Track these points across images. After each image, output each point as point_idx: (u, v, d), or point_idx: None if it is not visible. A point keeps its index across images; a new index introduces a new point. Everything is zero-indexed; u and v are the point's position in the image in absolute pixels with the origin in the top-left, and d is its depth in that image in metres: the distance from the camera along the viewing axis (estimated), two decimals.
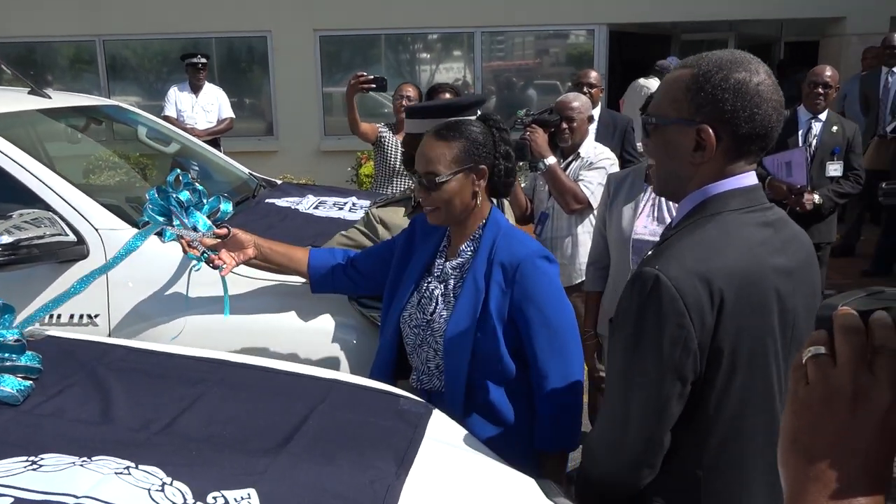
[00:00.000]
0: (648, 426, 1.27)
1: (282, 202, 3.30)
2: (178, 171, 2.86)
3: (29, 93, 3.26)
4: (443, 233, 1.96)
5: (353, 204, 3.39)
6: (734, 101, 1.24)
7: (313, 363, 2.37)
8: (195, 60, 6.73)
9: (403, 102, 4.28)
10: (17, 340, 1.40)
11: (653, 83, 7.35)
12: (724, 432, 1.28)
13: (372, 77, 3.93)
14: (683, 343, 1.21)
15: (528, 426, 1.81)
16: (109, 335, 2.46)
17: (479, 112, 2.20)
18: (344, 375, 1.72)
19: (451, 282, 1.86)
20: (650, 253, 1.35)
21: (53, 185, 2.57)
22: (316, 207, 3.27)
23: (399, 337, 1.96)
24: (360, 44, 8.93)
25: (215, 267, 2.17)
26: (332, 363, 2.43)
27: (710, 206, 1.30)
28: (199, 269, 2.26)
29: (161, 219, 2.34)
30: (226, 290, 2.37)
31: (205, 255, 2.21)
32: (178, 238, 2.49)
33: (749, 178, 1.32)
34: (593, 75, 4.85)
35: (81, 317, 2.50)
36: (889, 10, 8.39)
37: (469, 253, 1.87)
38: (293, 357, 2.38)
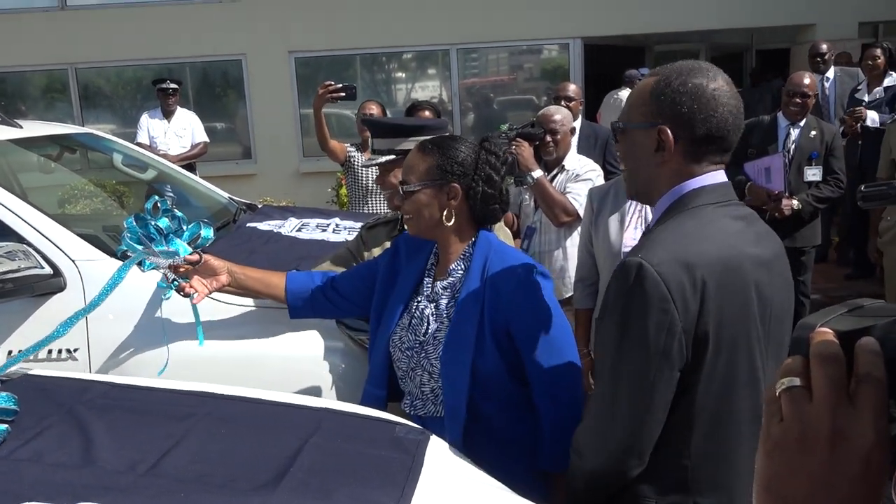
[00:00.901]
0: (637, 414, 1.30)
1: (263, 226, 3.24)
2: (157, 197, 2.80)
3: None
4: (429, 252, 1.91)
5: (337, 225, 3.34)
6: (690, 104, 1.32)
7: (302, 391, 2.30)
8: (164, 86, 6.67)
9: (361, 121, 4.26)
10: None
11: (626, 94, 7.42)
12: (711, 420, 1.32)
13: (341, 85, 3.87)
14: (668, 328, 1.26)
15: (530, 446, 1.76)
16: (90, 370, 2.38)
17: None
18: (335, 403, 1.66)
19: (443, 301, 1.81)
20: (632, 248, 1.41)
21: (27, 216, 2.49)
22: (299, 230, 3.22)
23: (389, 360, 1.91)
24: (335, 64, 8.91)
25: (186, 295, 2.10)
26: (320, 390, 2.37)
27: (686, 202, 1.36)
28: (168, 298, 2.17)
29: (140, 247, 2.26)
30: (197, 318, 2.30)
31: (175, 283, 2.13)
32: (157, 267, 2.42)
33: (718, 176, 1.39)
34: (571, 88, 4.85)
35: (60, 351, 2.41)
36: (857, 17, 8.54)
37: (460, 272, 1.82)
38: (281, 385, 2.31)
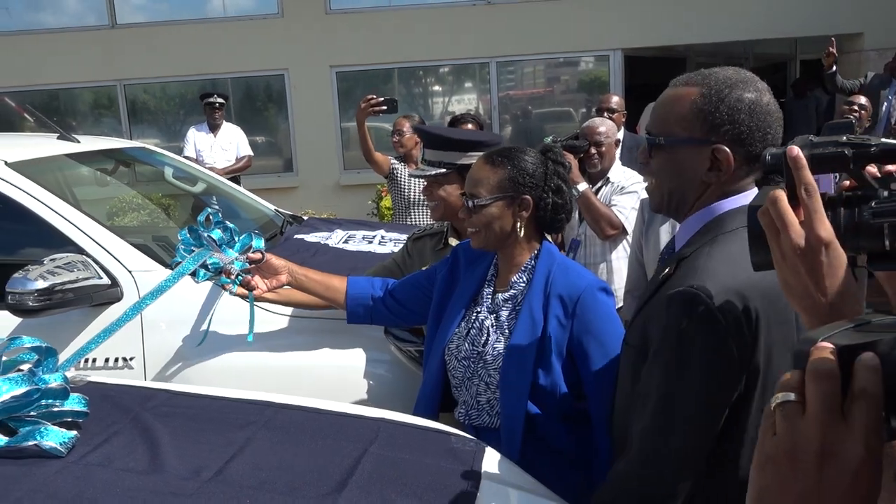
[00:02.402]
0: (688, 456, 1.24)
1: (311, 237, 3.28)
2: (209, 209, 2.86)
3: (58, 138, 3.28)
4: (489, 262, 1.91)
5: (382, 237, 3.36)
6: (749, 121, 1.26)
7: (348, 401, 2.32)
8: (211, 100, 6.81)
9: (395, 138, 4.31)
10: (60, 385, 1.37)
11: None
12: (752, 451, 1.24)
13: (382, 99, 3.92)
14: (726, 362, 1.20)
15: (586, 461, 1.75)
16: (145, 378, 2.43)
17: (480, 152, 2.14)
18: (391, 413, 1.67)
19: (504, 313, 1.81)
20: (671, 272, 1.32)
21: (86, 228, 2.56)
22: (346, 242, 3.25)
23: (444, 369, 1.91)
24: (376, 78, 9.01)
25: (250, 289, 2.12)
26: (366, 401, 2.38)
27: (724, 224, 1.30)
28: (234, 293, 2.20)
29: (200, 250, 2.31)
30: (252, 314, 2.32)
31: (239, 278, 2.16)
32: (215, 273, 2.48)
33: (754, 194, 1.32)
34: (615, 100, 4.84)
35: (116, 360, 2.47)
36: None
37: (522, 284, 1.82)
38: (327, 395, 2.34)
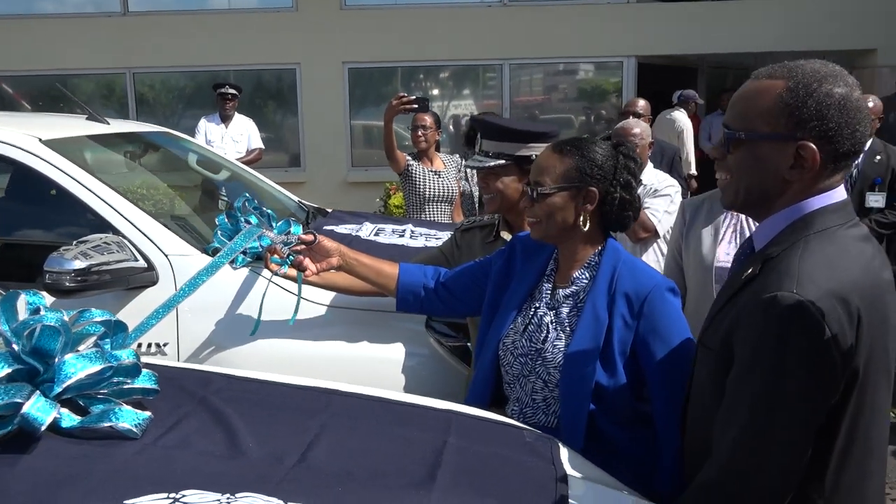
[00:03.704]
0: (791, 455, 1.19)
1: (341, 229, 3.23)
2: (247, 195, 2.81)
3: (87, 118, 3.22)
4: (548, 256, 1.86)
5: (412, 231, 3.32)
6: (839, 118, 1.20)
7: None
8: (224, 91, 6.75)
9: (420, 133, 4.30)
10: (132, 362, 1.31)
11: (678, 114, 7.37)
12: (845, 453, 1.22)
13: (414, 97, 3.90)
14: (829, 369, 1.15)
15: (648, 465, 1.70)
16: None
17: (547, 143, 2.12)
18: (456, 405, 1.62)
19: (564, 310, 1.76)
20: (755, 272, 1.26)
21: (122, 209, 2.50)
22: (376, 234, 3.20)
23: (497, 364, 1.86)
24: (387, 76, 8.96)
25: (300, 269, 2.06)
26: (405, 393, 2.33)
27: (814, 223, 1.25)
28: (284, 273, 2.12)
29: (251, 226, 2.26)
30: (300, 294, 2.26)
31: (290, 258, 2.10)
32: (253, 259, 2.43)
33: (840, 193, 1.28)
34: (640, 104, 4.82)
35: (150, 345, 2.41)
36: None
37: (585, 281, 1.76)
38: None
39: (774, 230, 1.29)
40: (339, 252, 2.07)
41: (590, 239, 1.77)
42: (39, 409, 1.16)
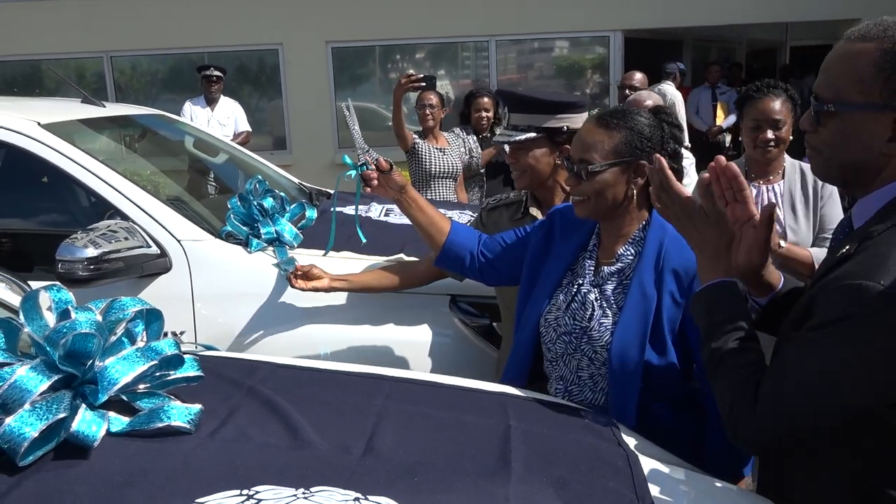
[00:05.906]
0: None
1: (349, 210, 3.15)
2: (258, 177, 2.72)
3: (82, 101, 3.10)
4: (588, 230, 1.81)
5: None
6: None
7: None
8: (208, 73, 6.60)
9: (427, 112, 4.27)
10: (174, 353, 1.25)
11: (667, 87, 7.33)
12: None
13: (422, 76, 3.86)
14: None
15: (696, 447, 1.66)
16: None
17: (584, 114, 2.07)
18: (505, 387, 1.57)
19: (609, 287, 1.71)
20: (850, 251, 1.17)
21: (131, 194, 2.41)
22: (386, 215, 3.13)
23: (537, 340, 1.81)
24: (372, 55, 8.82)
25: (368, 181, 2.06)
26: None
27: None
28: (363, 170, 2.10)
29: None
30: (333, 228, 2.42)
31: (363, 166, 2.08)
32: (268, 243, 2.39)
33: None
34: (638, 77, 4.77)
35: (166, 334, 2.33)
36: None
37: (630, 257, 1.71)
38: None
39: (873, 208, 1.19)
40: (407, 187, 2.02)
41: (636, 213, 1.72)
42: (89, 423, 1.10)
